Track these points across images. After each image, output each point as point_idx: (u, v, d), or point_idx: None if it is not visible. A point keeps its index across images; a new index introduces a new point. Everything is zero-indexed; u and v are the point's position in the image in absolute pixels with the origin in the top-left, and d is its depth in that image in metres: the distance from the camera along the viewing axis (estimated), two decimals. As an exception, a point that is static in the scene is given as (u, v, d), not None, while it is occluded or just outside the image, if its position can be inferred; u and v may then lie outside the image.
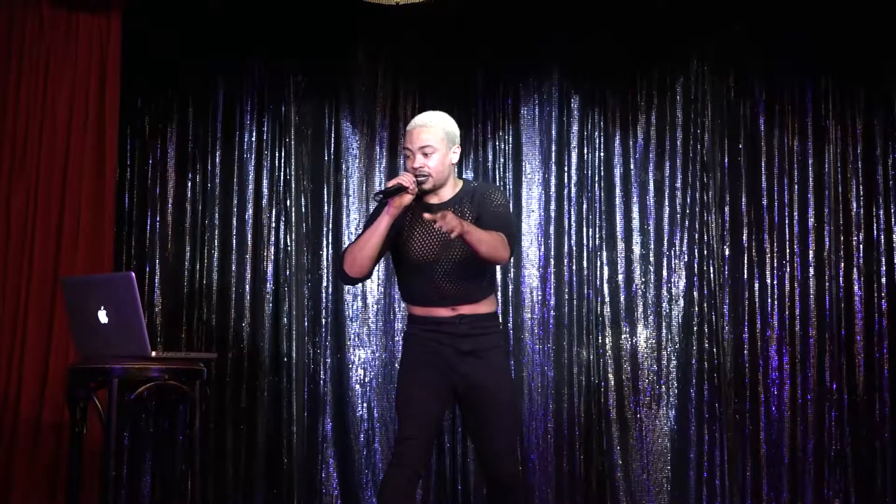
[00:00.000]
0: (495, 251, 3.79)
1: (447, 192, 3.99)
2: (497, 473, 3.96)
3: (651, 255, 6.15)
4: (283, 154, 6.12)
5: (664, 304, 6.13)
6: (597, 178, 6.20)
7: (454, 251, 3.91)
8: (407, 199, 3.87)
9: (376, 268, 5.97)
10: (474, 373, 3.91)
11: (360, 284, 6.06)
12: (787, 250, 6.14)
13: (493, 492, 4.04)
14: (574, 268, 6.14)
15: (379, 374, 6.04)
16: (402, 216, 3.94)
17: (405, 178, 3.87)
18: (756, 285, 6.12)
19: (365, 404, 6.01)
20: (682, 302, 6.13)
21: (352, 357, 6.05)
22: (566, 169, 6.20)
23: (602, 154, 6.22)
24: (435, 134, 3.92)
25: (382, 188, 3.82)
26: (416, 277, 3.98)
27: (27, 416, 5.29)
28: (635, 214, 6.17)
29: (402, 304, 6.08)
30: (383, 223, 3.87)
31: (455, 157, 3.99)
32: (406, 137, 3.97)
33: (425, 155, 3.91)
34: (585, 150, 6.22)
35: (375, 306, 6.08)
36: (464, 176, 6.18)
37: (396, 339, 6.05)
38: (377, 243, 3.89)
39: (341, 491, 5.95)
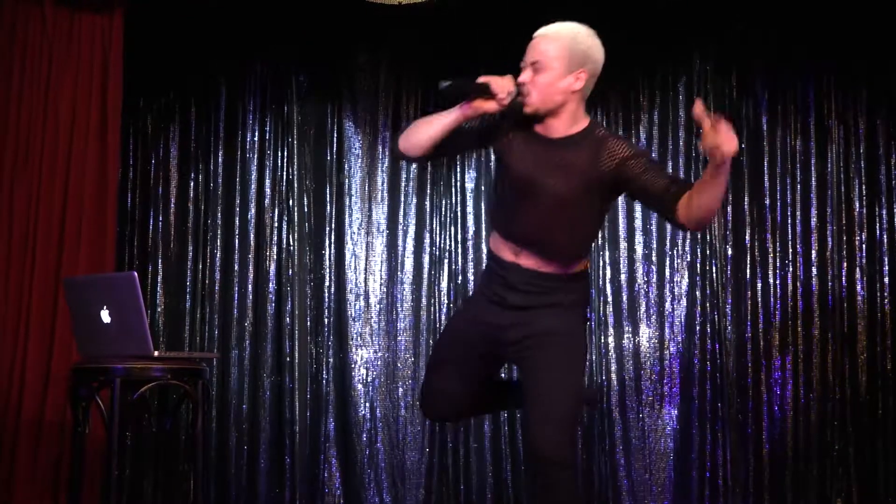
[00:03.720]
0: (719, 204, 3.04)
1: (560, 127, 3.25)
2: (533, 440, 3.09)
3: (654, 254, 6.15)
4: (285, 154, 6.12)
5: (667, 304, 6.12)
6: (599, 178, 6.20)
7: (559, 184, 3.17)
8: (488, 106, 3.19)
9: (377, 267, 6.12)
10: (531, 322, 3.20)
11: (362, 284, 6.07)
12: (790, 250, 6.13)
13: (529, 470, 3.23)
14: (576, 267, 6.13)
15: (381, 373, 6.04)
16: (501, 130, 3.26)
17: (498, 84, 3.19)
18: (759, 285, 6.11)
19: (367, 404, 6.01)
20: (684, 302, 6.12)
21: (354, 357, 6.04)
22: (568, 168, 6.19)
23: (604, 154, 6.21)
24: (554, 47, 3.20)
25: (458, 80, 3.21)
26: (507, 203, 3.28)
27: (29, 416, 5.29)
28: (638, 214, 6.16)
29: (405, 305, 6.09)
30: (448, 119, 3.23)
31: (579, 85, 3.23)
32: None
33: (535, 71, 3.22)
34: (588, 150, 6.21)
35: (378, 306, 6.08)
36: (468, 174, 6.18)
37: (399, 338, 6.05)
38: (433, 136, 3.24)
39: (344, 491, 5.95)
